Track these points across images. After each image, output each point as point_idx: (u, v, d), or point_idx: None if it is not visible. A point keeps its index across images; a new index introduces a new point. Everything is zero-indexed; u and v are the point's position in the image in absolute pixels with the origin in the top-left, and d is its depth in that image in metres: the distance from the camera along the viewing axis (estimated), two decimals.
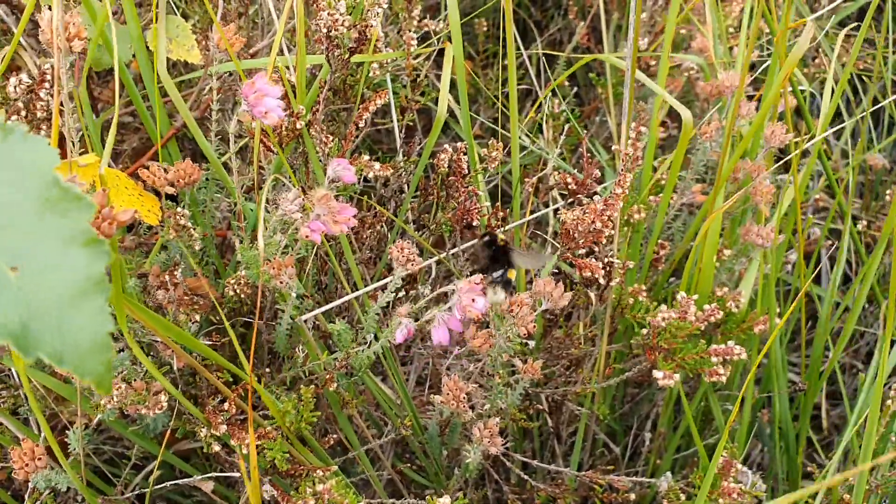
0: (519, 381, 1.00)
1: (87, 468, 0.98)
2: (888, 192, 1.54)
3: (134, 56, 0.96)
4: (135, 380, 0.80)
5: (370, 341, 0.94)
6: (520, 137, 1.38)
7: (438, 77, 1.40)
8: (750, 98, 1.22)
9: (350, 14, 0.85)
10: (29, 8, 0.76)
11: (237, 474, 0.89)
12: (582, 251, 0.92)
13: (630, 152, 0.91)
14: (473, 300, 0.81)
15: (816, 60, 1.61)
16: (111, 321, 0.42)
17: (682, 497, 0.98)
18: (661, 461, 1.23)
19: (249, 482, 0.68)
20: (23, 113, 0.79)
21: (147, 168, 0.85)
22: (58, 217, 0.42)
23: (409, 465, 1.12)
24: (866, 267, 1.28)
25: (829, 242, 1.55)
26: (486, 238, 0.93)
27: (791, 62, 0.91)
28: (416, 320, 0.88)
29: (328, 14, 0.80)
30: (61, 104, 0.89)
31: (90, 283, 0.42)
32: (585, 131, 1.50)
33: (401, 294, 1.15)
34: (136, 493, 1.03)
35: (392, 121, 1.17)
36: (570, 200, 1.05)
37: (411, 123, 1.23)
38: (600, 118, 1.52)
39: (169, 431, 0.91)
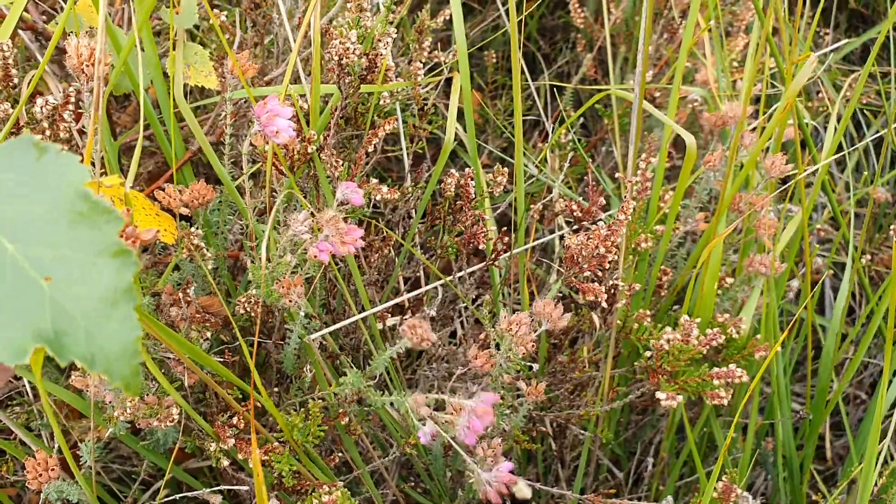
0: (523, 404, 1.01)
1: (97, 485, 1.00)
2: (892, 225, 1.55)
3: (152, 82, 0.99)
4: (147, 394, 0.82)
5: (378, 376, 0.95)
6: (526, 166, 1.41)
7: (447, 107, 1.43)
8: (753, 130, 1.24)
9: (361, 43, 0.88)
10: (56, 35, 0.79)
11: (245, 488, 0.91)
12: (586, 275, 0.94)
13: (634, 179, 0.93)
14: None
15: (820, 94, 1.63)
16: (139, 328, 0.45)
17: None
18: (664, 487, 1.23)
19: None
20: (47, 133, 0.82)
21: (163, 190, 0.88)
22: (88, 229, 0.45)
23: (413, 486, 1.13)
24: (873, 301, 1.30)
25: (832, 272, 1.57)
26: None
27: (791, 93, 0.93)
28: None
29: (340, 42, 0.83)
30: (82, 128, 0.92)
31: (119, 292, 0.45)
32: (591, 161, 1.52)
33: (408, 314, 1.18)
34: None
35: (401, 148, 1.20)
36: (575, 227, 1.08)
37: (420, 151, 1.26)
38: (606, 148, 1.55)
39: (178, 448, 0.93)
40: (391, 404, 1.17)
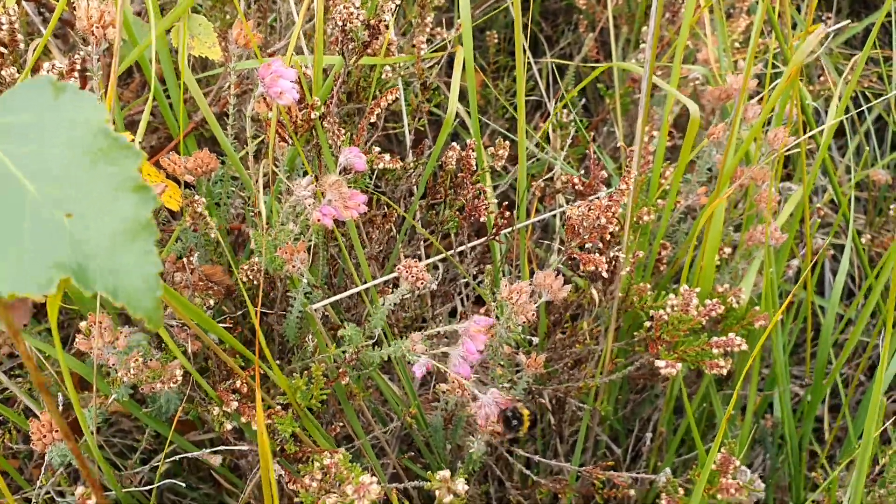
0: (522, 377, 1.02)
1: (103, 458, 1.01)
2: (892, 207, 1.56)
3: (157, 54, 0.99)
4: (150, 359, 0.83)
5: (377, 336, 0.96)
6: (527, 147, 1.41)
7: (449, 86, 1.43)
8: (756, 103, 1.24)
9: (364, 9, 0.88)
10: (60, 6, 0.79)
11: (245, 447, 0.91)
12: (587, 247, 0.95)
13: (636, 147, 0.94)
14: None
15: (822, 78, 1.64)
16: (159, 262, 0.45)
17: (681, 492, 0.99)
18: (662, 462, 1.24)
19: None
20: None
21: (168, 158, 0.89)
22: (108, 165, 0.45)
23: (413, 459, 1.14)
24: (869, 280, 1.30)
25: (832, 253, 1.57)
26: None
27: (796, 62, 0.94)
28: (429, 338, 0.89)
29: (343, 7, 0.83)
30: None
31: (139, 226, 0.45)
32: (592, 142, 1.53)
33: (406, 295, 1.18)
34: (145, 478, 1.05)
35: (403, 126, 1.20)
36: (576, 203, 1.08)
37: (421, 129, 1.26)
38: (608, 128, 1.56)
39: (180, 417, 0.94)
40: (391, 379, 1.18)
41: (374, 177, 1.22)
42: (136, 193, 0.45)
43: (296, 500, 0.78)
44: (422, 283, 0.83)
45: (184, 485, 0.96)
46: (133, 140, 0.79)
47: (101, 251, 0.44)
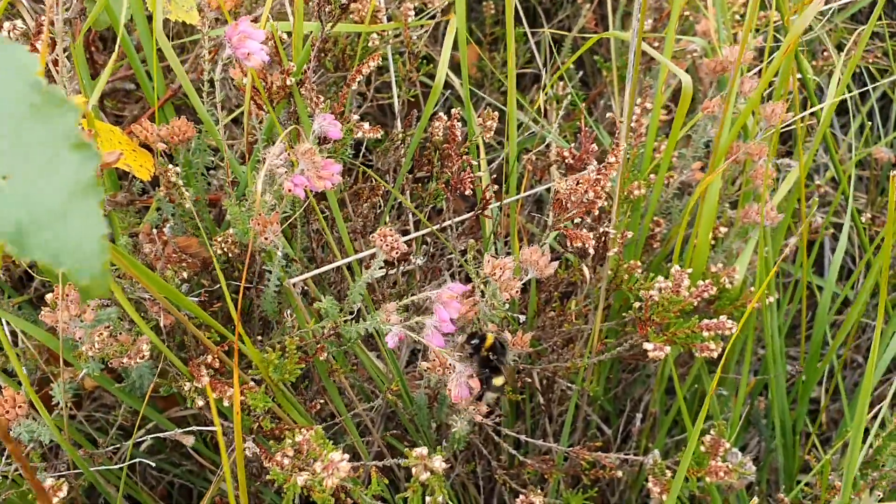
0: (508, 355, 0.99)
1: (78, 433, 0.98)
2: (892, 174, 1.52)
3: (132, 19, 0.96)
4: (120, 333, 0.80)
5: (357, 311, 0.93)
6: (523, 121, 1.38)
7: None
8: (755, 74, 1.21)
9: None
10: None
11: (218, 428, 0.89)
12: (576, 222, 0.92)
13: (625, 119, 0.90)
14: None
15: (825, 53, 1.59)
16: (105, 224, 0.42)
17: (669, 474, 0.97)
18: (653, 444, 1.22)
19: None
20: None
21: (140, 125, 0.86)
22: (43, 122, 0.42)
23: (398, 438, 1.12)
24: (867, 257, 1.27)
25: (832, 233, 1.54)
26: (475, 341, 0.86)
27: (795, 32, 0.90)
28: (408, 310, 0.86)
29: None
30: (56, 61, 0.89)
31: (81, 187, 0.42)
32: (590, 116, 1.49)
33: (392, 271, 1.15)
34: (125, 456, 1.03)
35: (393, 96, 1.17)
36: (566, 177, 1.05)
37: (412, 100, 1.23)
38: (605, 102, 1.52)
39: (156, 392, 0.91)
40: (378, 356, 1.15)
41: (364, 148, 1.19)
42: (77, 152, 0.42)
43: (267, 477, 0.76)
44: (397, 253, 0.80)
45: (154, 465, 0.94)
46: (86, 101, 0.76)
47: (42, 214, 0.41)
